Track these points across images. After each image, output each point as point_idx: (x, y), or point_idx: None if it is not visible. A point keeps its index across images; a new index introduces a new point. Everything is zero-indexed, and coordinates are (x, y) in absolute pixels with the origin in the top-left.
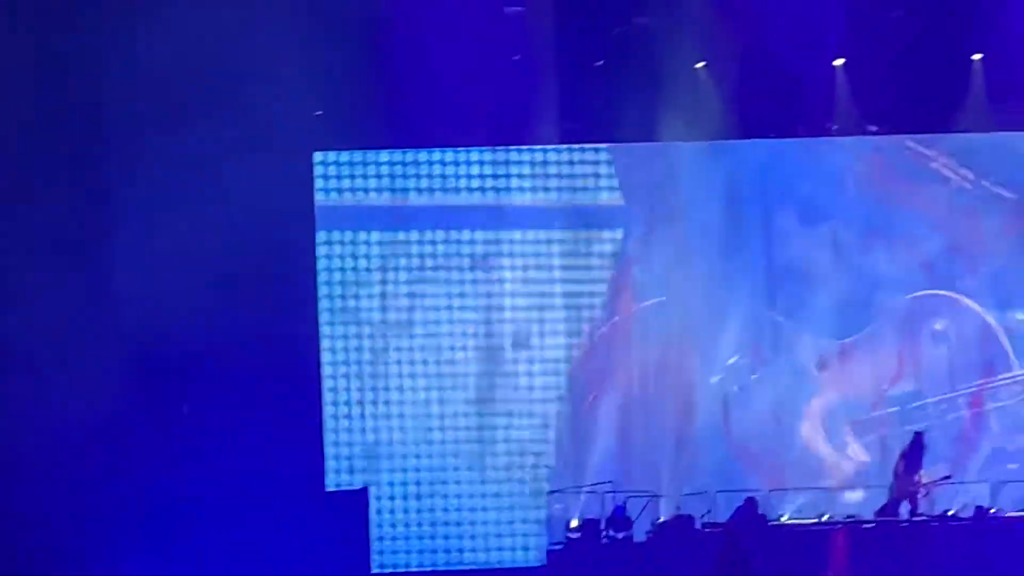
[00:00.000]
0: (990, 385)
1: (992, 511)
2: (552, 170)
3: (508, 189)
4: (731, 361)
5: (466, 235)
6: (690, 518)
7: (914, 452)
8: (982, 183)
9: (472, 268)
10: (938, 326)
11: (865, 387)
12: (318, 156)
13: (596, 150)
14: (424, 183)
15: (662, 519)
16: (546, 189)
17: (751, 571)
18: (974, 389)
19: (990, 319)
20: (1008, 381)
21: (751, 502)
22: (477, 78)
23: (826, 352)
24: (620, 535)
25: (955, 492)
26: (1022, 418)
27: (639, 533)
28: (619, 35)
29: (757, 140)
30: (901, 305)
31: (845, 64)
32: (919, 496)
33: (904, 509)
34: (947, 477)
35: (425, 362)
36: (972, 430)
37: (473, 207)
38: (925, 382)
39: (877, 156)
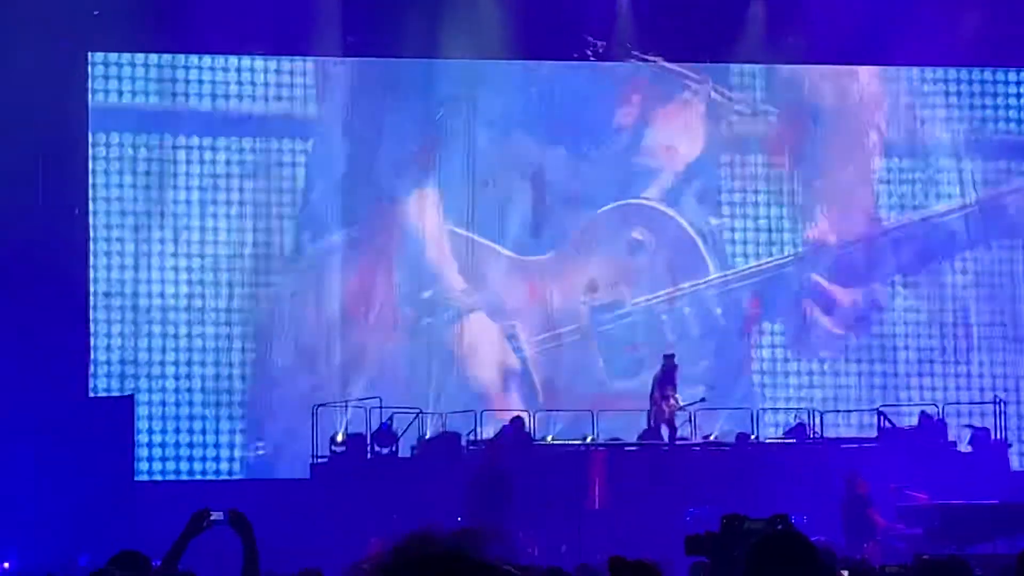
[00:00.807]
0: (688, 288)
1: (752, 438)
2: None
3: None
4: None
5: (235, 143)
6: (456, 435)
7: (665, 374)
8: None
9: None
10: (636, 235)
11: (564, 300)
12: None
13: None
14: (196, 88)
15: (428, 435)
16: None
17: (511, 488)
18: (673, 291)
19: (687, 225)
20: (703, 285)
21: (517, 421)
22: None
23: (529, 267)
24: (385, 450)
25: (717, 417)
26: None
27: (404, 448)
28: None
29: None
30: (599, 217)
31: None
32: (676, 419)
33: (664, 433)
34: (702, 399)
35: (190, 268)
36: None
37: (251, 115)
38: (626, 291)
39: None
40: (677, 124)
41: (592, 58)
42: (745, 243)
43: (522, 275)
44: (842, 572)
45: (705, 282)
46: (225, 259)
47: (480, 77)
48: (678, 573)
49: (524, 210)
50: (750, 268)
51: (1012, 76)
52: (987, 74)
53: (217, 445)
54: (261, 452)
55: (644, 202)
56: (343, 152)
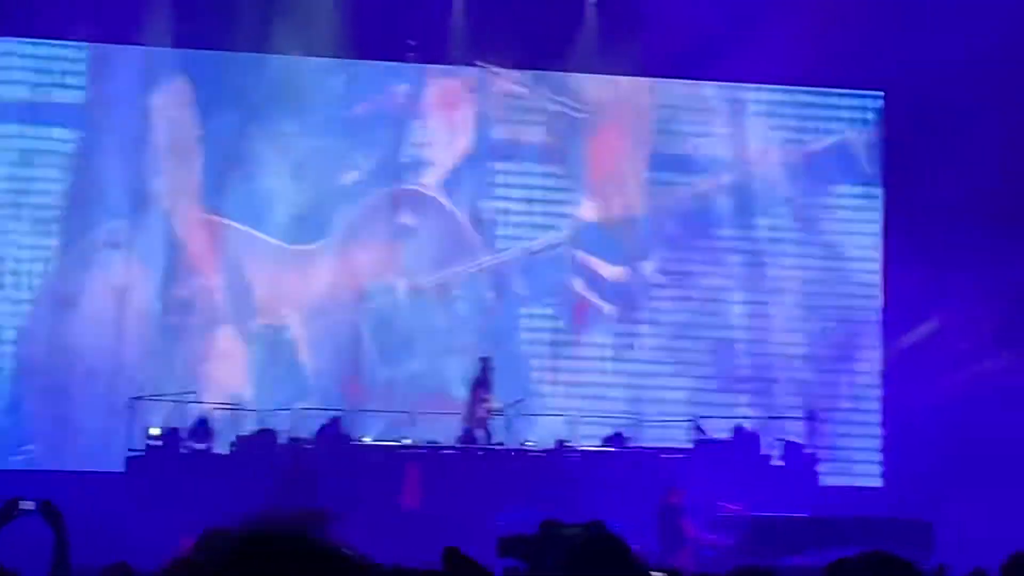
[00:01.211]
0: (458, 272)
1: (567, 443)
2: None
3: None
4: None
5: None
6: (273, 432)
7: (482, 377)
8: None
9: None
10: (406, 220)
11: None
12: None
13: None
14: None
15: (246, 433)
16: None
17: (318, 488)
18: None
19: (455, 210)
20: (475, 268)
21: (335, 421)
22: None
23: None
24: (201, 445)
25: (535, 423)
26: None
27: (222, 445)
28: None
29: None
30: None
31: None
32: (491, 423)
33: (480, 436)
34: (519, 400)
35: (33, 259)
36: None
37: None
38: (398, 277)
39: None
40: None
41: (415, 61)
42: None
43: (292, 265)
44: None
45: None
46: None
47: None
48: None
49: (292, 200)
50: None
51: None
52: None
53: (27, 435)
54: (69, 442)
55: (415, 187)
56: (110, 143)
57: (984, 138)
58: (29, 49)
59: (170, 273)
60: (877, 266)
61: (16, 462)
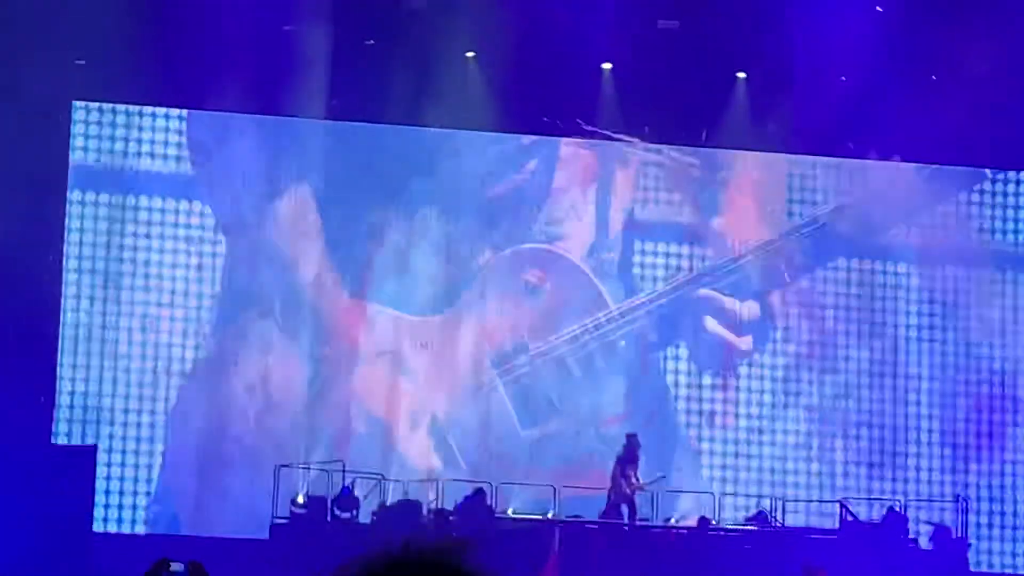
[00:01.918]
0: (591, 325)
1: (714, 523)
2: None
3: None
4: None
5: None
6: (416, 503)
7: (628, 453)
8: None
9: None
10: (531, 277)
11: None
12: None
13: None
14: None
15: (388, 502)
16: None
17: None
18: (576, 330)
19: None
20: (604, 318)
21: (479, 492)
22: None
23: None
24: (345, 514)
25: (679, 499)
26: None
27: (365, 514)
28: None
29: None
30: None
31: (613, 68)
32: (636, 498)
33: (624, 511)
34: (662, 476)
35: (158, 329)
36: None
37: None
38: (528, 334)
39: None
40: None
41: (572, 135)
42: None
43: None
44: None
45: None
46: (182, 318)
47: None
48: None
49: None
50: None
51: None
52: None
53: (178, 501)
54: (219, 508)
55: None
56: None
57: None
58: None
59: (316, 351)
60: (1021, 347)
61: (166, 526)
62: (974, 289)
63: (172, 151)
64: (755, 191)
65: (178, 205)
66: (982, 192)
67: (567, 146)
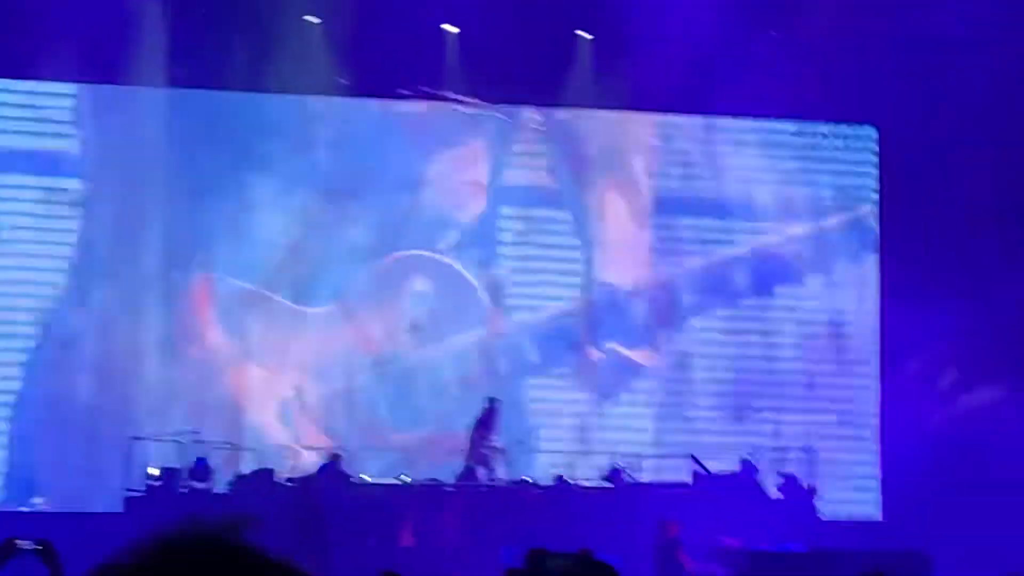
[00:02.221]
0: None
1: (569, 481)
2: None
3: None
4: None
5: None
6: (271, 471)
7: (488, 418)
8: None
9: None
10: (419, 286)
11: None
12: None
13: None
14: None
15: (244, 472)
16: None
17: (326, 526)
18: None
19: (468, 274)
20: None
21: (335, 459)
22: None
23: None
24: (200, 485)
25: (535, 459)
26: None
27: (220, 484)
28: None
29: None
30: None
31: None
32: (493, 461)
33: (481, 474)
34: (520, 442)
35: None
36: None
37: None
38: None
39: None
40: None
41: (412, 98)
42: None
43: (303, 327)
44: None
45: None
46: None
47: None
48: None
49: (304, 260)
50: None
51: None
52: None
53: (27, 475)
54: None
55: (424, 253)
56: (112, 190)
57: (976, 162)
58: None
59: (169, 322)
60: (874, 302)
61: (14, 502)
62: (807, 245)
63: (11, 125)
64: (603, 151)
65: (24, 180)
66: (819, 147)
67: (413, 109)
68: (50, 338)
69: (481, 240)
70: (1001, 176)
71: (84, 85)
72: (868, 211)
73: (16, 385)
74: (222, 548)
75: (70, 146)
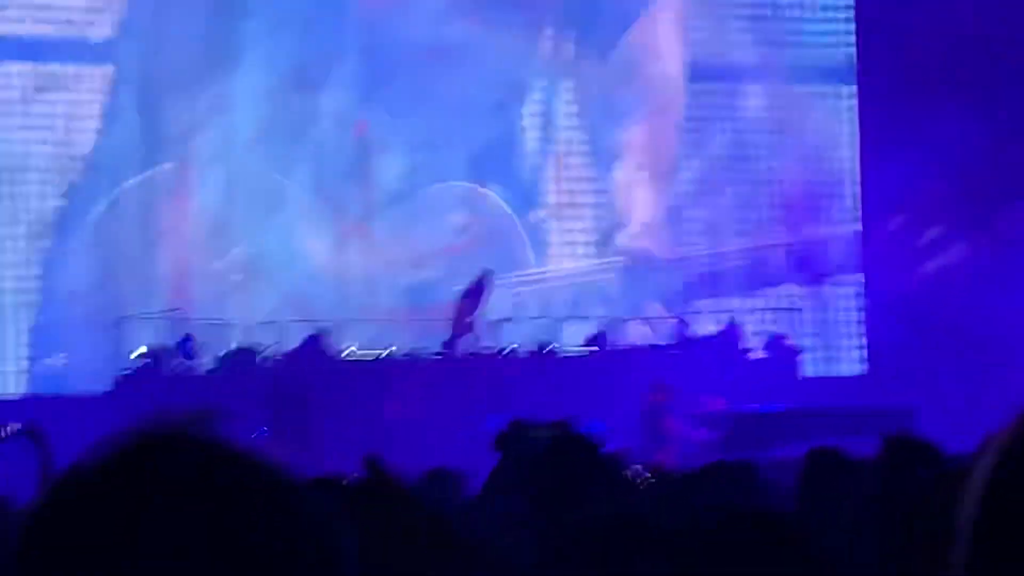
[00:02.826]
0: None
1: (551, 347)
2: None
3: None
4: None
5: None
6: (252, 350)
7: (478, 287)
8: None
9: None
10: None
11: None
12: None
13: None
14: None
15: (232, 348)
16: None
17: (308, 402)
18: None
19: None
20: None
21: (319, 334)
22: None
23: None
24: (187, 363)
25: (520, 325)
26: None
27: (208, 363)
28: None
29: None
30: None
31: None
32: (478, 331)
33: (465, 343)
34: (508, 319)
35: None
36: None
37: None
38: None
39: None
40: None
41: None
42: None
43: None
44: (635, 467)
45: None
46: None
47: None
48: (478, 481)
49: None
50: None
51: None
52: None
53: (13, 358)
54: (57, 364)
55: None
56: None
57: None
58: None
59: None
60: (854, 156)
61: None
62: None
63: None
64: None
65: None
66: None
67: None
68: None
69: None
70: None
71: None
72: (845, 62)
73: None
74: (190, 443)
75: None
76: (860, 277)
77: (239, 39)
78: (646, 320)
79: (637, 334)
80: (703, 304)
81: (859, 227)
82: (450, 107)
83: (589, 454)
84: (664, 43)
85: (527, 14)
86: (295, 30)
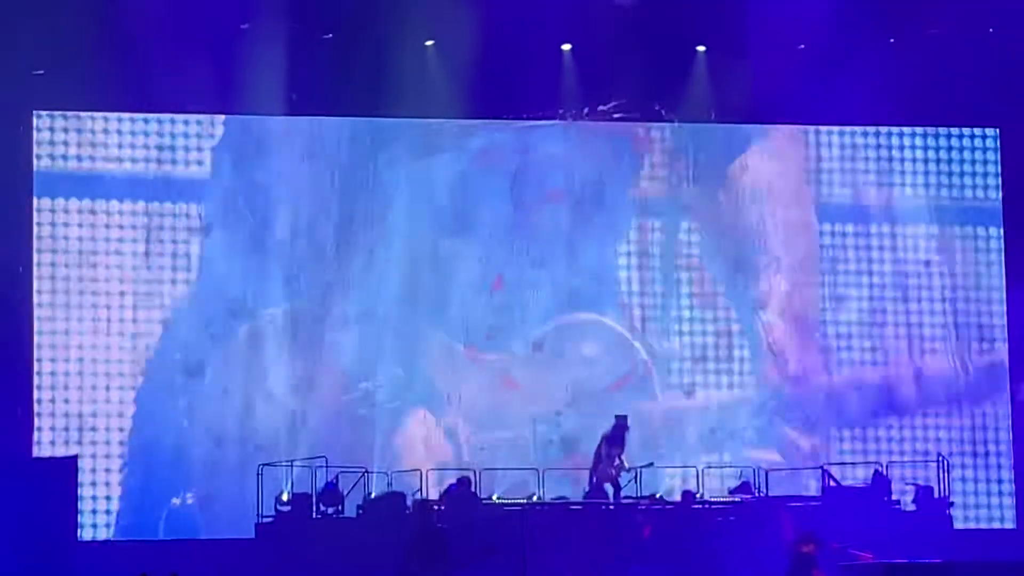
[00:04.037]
0: None
1: (698, 495)
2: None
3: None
4: None
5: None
6: (401, 494)
7: (615, 434)
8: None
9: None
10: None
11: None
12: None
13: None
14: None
15: (373, 494)
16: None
17: (447, 546)
18: None
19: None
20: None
21: (463, 480)
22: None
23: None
24: (331, 509)
25: (662, 475)
26: None
27: (350, 508)
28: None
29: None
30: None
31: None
32: (620, 479)
33: (608, 491)
34: (649, 464)
35: (136, 335)
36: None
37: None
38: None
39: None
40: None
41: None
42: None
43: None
44: None
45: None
46: (163, 325)
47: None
48: None
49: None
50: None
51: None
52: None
53: (162, 505)
54: (203, 510)
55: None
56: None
57: None
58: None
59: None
60: (1001, 308)
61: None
62: (945, 246)
63: (139, 153)
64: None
65: (148, 207)
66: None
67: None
68: (176, 366)
69: None
70: None
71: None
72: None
73: (146, 413)
74: None
75: (198, 173)
76: (1009, 432)
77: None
78: (790, 470)
79: (782, 481)
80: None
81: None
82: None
83: None
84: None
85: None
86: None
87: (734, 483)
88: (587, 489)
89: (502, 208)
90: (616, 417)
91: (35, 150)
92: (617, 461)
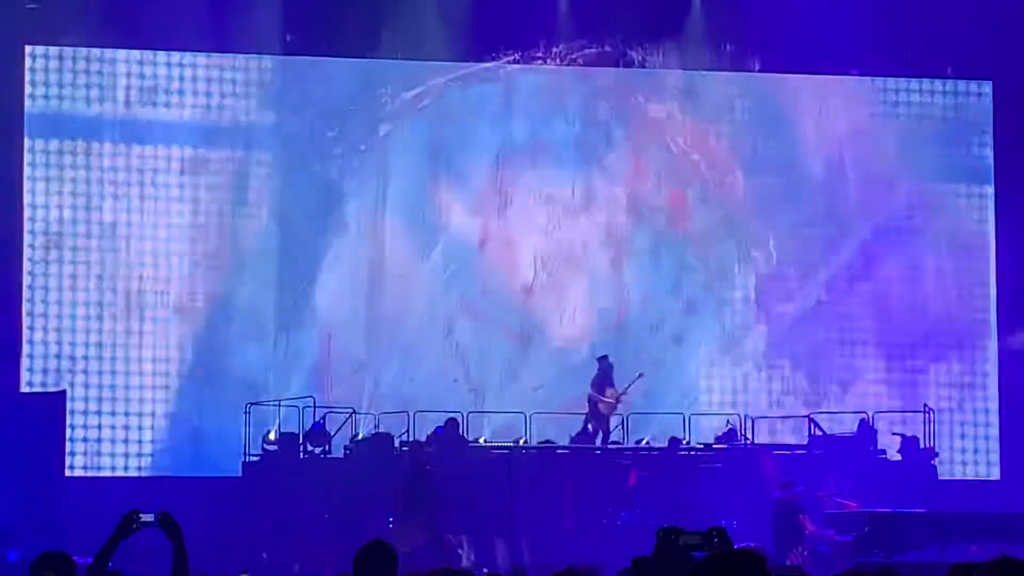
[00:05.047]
0: None
1: (685, 441)
2: None
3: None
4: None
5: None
6: (388, 436)
7: (602, 376)
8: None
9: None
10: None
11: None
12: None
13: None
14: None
15: (360, 435)
16: None
17: (438, 489)
18: None
19: None
20: None
21: (451, 423)
22: None
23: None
24: (318, 450)
25: (649, 421)
26: None
27: (338, 448)
28: None
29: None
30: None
31: None
32: (610, 423)
33: (596, 435)
34: (640, 375)
35: (128, 277)
36: None
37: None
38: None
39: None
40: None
41: (543, 61)
42: None
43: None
44: None
45: None
46: (163, 260)
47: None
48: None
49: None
50: None
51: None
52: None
53: (150, 441)
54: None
55: None
56: (292, 159)
57: None
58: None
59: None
60: (989, 260)
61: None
62: (938, 203)
63: (134, 95)
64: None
65: (143, 150)
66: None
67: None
68: (165, 309)
69: None
70: None
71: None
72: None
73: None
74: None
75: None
76: (995, 382)
77: None
78: (779, 418)
79: (768, 431)
80: (834, 393)
81: (994, 330)
82: None
83: (758, 570)
84: None
85: None
86: None
87: (720, 430)
88: (576, 433)
89: None
90: (598, 359)
91: (28, 89)
92: (610, 393)
